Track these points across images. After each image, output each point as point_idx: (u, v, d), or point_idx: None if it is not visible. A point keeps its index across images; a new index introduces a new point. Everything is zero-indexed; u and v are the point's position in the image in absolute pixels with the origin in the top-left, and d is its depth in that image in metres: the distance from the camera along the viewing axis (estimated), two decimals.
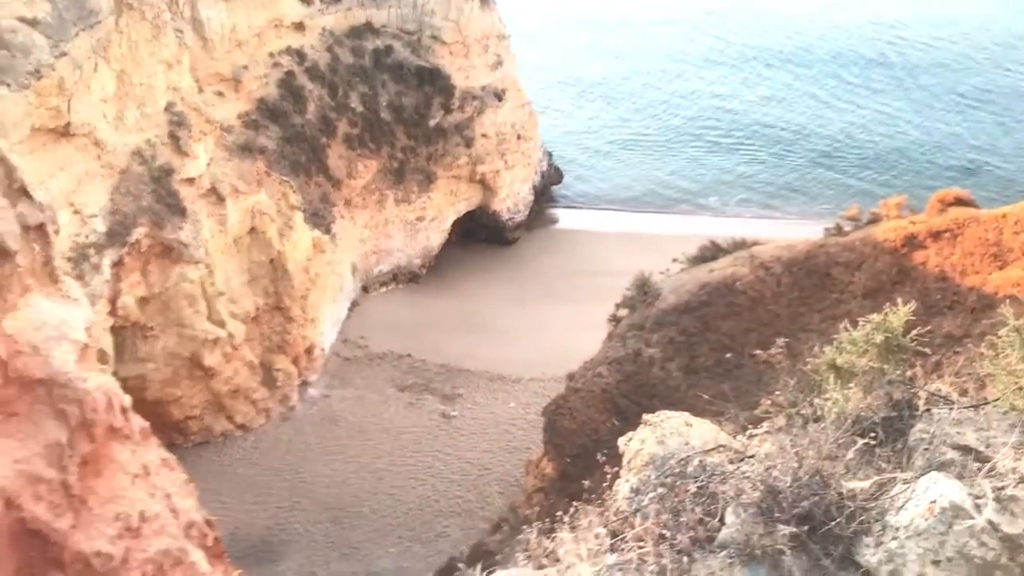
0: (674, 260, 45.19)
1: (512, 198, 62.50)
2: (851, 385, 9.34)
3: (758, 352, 19.96)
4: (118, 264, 35.46)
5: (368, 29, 55.88)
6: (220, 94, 46.59)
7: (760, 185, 71.43)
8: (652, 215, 67.07)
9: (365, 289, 55.91)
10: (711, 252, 42.96)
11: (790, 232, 56.07)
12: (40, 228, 15.94)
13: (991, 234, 38.47)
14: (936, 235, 39.21)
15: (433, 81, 56.68)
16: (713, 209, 67.32)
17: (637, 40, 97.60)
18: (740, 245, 42.81)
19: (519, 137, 61.64)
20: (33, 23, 31.72)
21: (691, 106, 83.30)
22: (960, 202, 42.28)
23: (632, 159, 74.66)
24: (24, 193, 15.63)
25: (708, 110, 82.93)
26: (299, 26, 52.29)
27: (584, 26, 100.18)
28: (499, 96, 59.89)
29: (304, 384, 46.35)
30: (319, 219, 48.74)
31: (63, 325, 15.54)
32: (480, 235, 62.22)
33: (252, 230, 43.35)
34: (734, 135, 79.12)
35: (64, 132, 33.14)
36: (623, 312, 39.26)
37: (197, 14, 44.93)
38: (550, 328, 51.19)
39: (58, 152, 33.26)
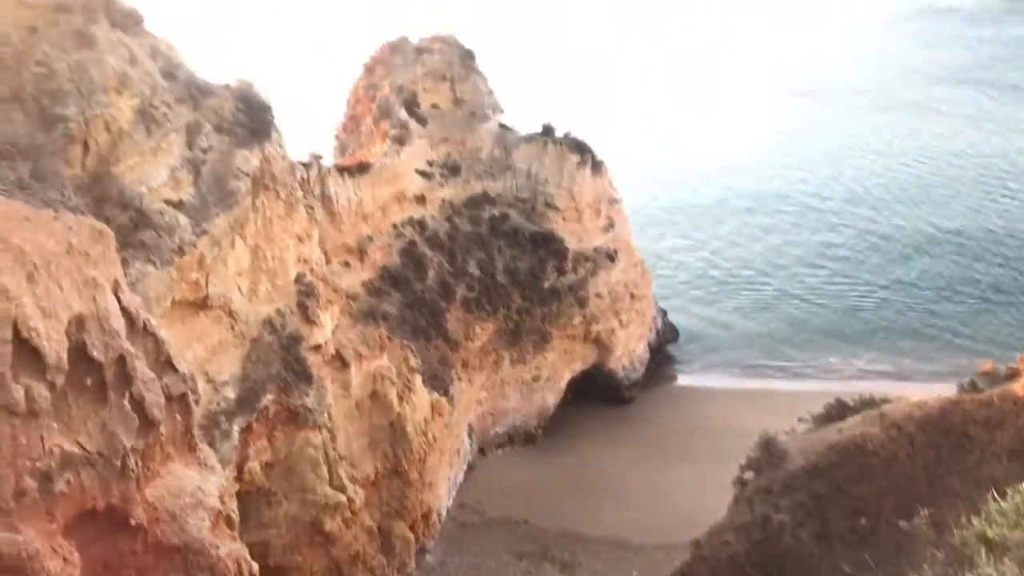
0: (799, 419, 43.72)
1: (628, 356, 62.32)
2: (1005, 560, 8.75)
3: (901, 523, 18.89)
4: (247, 430, 36.55)
5: (485, 199, 58.27)
6: (346, 264, 48.86)
7: (883, 339, 69.18)
8: (772, 371, 65.50)
9: (481, 451, 55.88)
10: (838, 411, 41.41)
11: (919, 389, 53.83)
12: (182, 398, 16.82)
13: None
14: None
15: (547, 245, 58.22)
16: (837, 370, 65.15)
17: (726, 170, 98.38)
18: (868, 403, 41.18)
19: (632, 296, 62.08)
20: (178, 205, 34.25)
21: (806, 252, 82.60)
22: None
23: (747, 311, 73.79)
24: (169, 365, 16.60)
25: (822, 257, 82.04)
26: (420, 198, 54.98)
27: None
28: (611, 257, 60.89)
29: (421, 551, 45.89)
30: (437, 381, 49.51)
31: (199, 492, 16.10)
32: (596, 394, 61.85)
33: (373, 394, 44.27)
34: (853, 287, 77.71)
35: (201, 305, 35.07)
36: (749, 475, 37.87)
37: (327, 191, 47.87)
38: (672, 491, 49.75)
39: (195, 323, 35.12)
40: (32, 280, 12.63)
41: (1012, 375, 41.51)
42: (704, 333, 71.20)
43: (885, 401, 41.96)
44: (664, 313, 69.30)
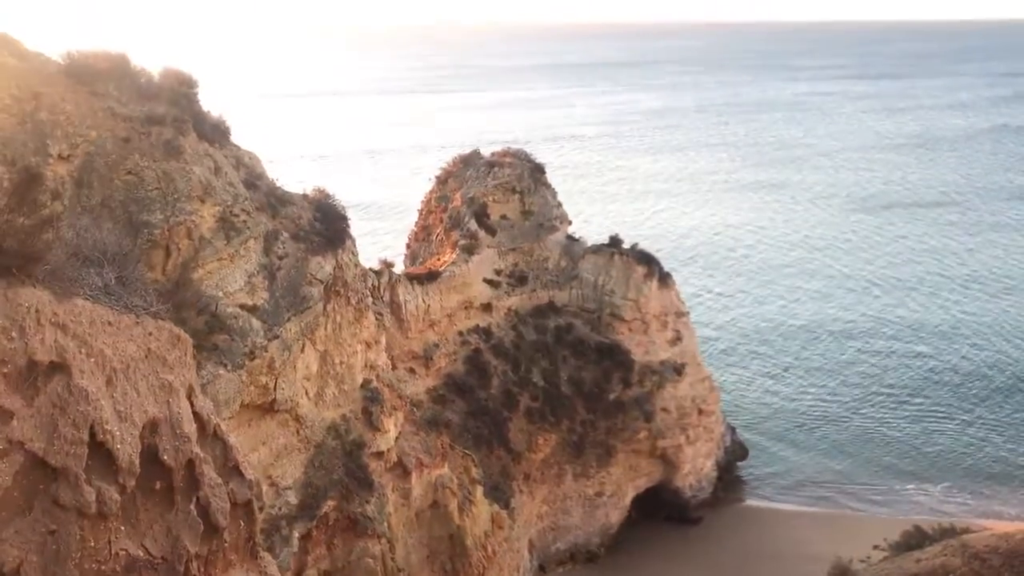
0: (875, 547, 41.80)
1: (695, 474, 60.75)
2: None
3: None
4: (306, 537, 36.26)
5: (551, 308, 58.43)
6: (412, 371, 49.09)
7: (967, 462, 66.38)
8: (845, 495, 63.04)
9: (542, 568, 54.38)
10: (916, 539, 39.55)
11: (1004, 517, 51.33)
12: (247, 504, 16.75)
13: None
14: None
15: (612, 356, 57.80)
16: (911, 499, 62.45)
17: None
18: (949, 532, 39.28)
19: (700, 412, 60.91)
20: (252, 309, 34.98)
21: (882, 365, 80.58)
22: None
23: (819, 431, 71.69)
24: (236, 470, 16.61)
25: (891, 376, 79.94)
26: (487, 307, 55.37)
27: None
28: (678, 371, 60.09)
29: None
30: (499, 493, 48.74)
31: None
32: (662, 513, 60.12)
33: (434, 504, 43.71)
34: (932, 408, 75.32)
35: (268, 408, 35.39)
36: None
37: (396, 297, 48.57)
38: None
39: (261, 427, 35.38)
40: (111, 384, 12.87)
41: None
42: (775, 452, 69.19)
43: (966, 531, 40.00)
44: (733, 430, 67.70)
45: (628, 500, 58.71)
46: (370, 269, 46.25)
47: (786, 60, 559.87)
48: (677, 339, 61.43)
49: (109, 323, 13.51)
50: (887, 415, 73.32)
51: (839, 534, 53.30)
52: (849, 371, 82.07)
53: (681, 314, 62.91)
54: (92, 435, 12.37)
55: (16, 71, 28.85)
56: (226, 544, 15.69)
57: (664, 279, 61.60)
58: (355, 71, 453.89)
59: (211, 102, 37.40)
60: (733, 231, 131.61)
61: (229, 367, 32.54)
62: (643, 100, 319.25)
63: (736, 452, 66.65)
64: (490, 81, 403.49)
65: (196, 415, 15.11)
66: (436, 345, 51.11)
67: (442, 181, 61.10)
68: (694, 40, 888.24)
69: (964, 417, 72.38)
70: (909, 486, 63.53)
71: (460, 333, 53.28)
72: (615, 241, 62.45)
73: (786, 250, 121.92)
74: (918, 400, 75.74)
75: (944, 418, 72.67)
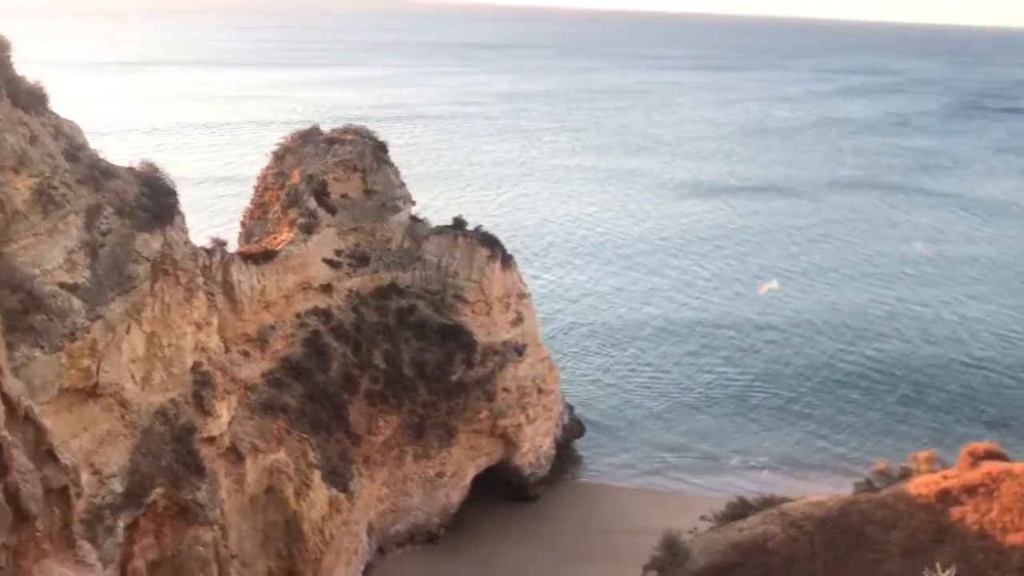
0: (702, 518, 43.84)
1: (534, 452, 61.82)
2: None
3: None
4: (132, 526, 34.66)
5: (393, 290, 57.93)
6: (246, 353, 47.59)
7: (783, 437, 70.63)
8: (676, 471, 65.74)
9: (381, 550, 54.09)
10: (740, 510, 41.76)
11: (819, 487, 54.77)
12: (63, 491, 15.79)
13: None
14: (971, 490, 38.07)
15: (455, 338, 57.93)
16: (737, 468, 65.87)
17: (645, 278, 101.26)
18: (769, 502, 41.68)
19: (540, 391, 61.97)
20: (73, 288, 32.97)
21: (703, 358, 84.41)
22: (991, 455, 41.43)
23: (652, 411, 74.43)
24: (51, 456, 15.62)
25: (714, 355, 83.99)
26: (327, 288, 54.30)
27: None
28: (520, 351, 60.90)
29: None
30: (337, 477, 48.07)
31: None
32: (501, 491, 60.91)
33: (269, 489, 42.68)
34: (752, 377, 79.67)
35: (91, 392, 33.56)
36: (652, 574, 37.58)
37: (229, 277, 46.87)
38: None
39: (83, 412, 33.51)
40: None
41: (905, 475, 42.66)
42: (610, 430, 71.32)
43: (785, 500, 42.53)
44: (571, 409, 69.31)
45: (468, 480, 59.14)
46: (202, 247, 44.42)
47: (633, 48, 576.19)
48: (519, 320, 62.20)
49: None
50: (716, 396, 76.81)
51: (669, 508, 55.57)
52: (681, 353, 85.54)
53: (523, 296, 63.72)
54: None
55: None
56: (38, 533, 14.74)
57: (507, 261, 62.16)
58: (187, 42, 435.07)
59: (31, 68, 35.06)
60: (575, 215, 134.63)
61: (46, 349, 30.62)
62: (493, 82, 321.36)
63: (573, 430, 68.30)
64: (338, 57, 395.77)
65: (4, 396, 14.09)
66: (272, 327, 49.73)
67: (279, 157, 59.34)
68: (548, 25, 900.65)
69: (789, 401, 76.43)
70: (734, 462, 66.90)
71: (298, 315, 52.05)
72: (459, 223, 62.47)
73: (623, 234, 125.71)
74: (747, 383, 79.59)
75: (772, 400, 76.55)
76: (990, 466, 40.00)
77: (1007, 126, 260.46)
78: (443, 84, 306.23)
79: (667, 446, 68.79)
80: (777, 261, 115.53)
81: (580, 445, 68.54)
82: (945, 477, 39.79)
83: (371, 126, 66.33)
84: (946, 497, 38.25)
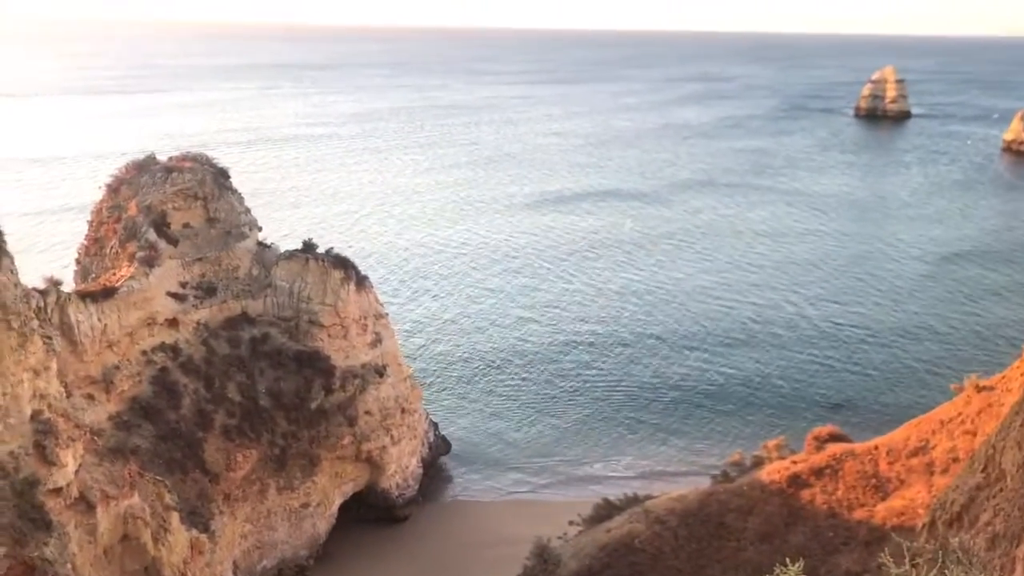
0: (570, 523, 44.61)
1: (401, 473, 61.28)
2: None
3: None
4: None
5: (244, 319, 56.30)
6: (90, 397, 45.24)
7: (641, 432, 72.62)
8: (542, 480, 66.49)
9: None
10: (606, 511, 42.72)
11: (680, 486, 56.64)
12: None
13: (868, 466, 39.76)
14: (818, 472, 40.27)
15: (312, 364, 56.78)
16: (601, 476, 67.09)
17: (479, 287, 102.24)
18: (633, 501, 42.81)
19: (403, 411, 61.50)
20: None
21: (557, 358, 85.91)
22: (834, 438, 43.95)
23: (516, 424, 75.06)
24: None
25: (573, 363, 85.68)
26: (172, 322, 52.26)
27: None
28: (380, 372, 60.26)
29: None
30: (196, 517, 46.25)
31: None
32: (370, 515, 60.07)
33: (124, 537, 40.57)
34: (603, 381, 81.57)
35: None
36: None
37: (67, 318, 44.45)
38: None
39: None
40: None
41: (757, 463, 44.68)
42: (476, 446, 71.46)
43: (649, 497, 43.78)
44: (436, 426, 69.11)
45: (335, 507, 58.03)
46: (34, 288, 41.94)
47: (469, 64, 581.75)
48: (377, 341, 61.55)
49: None
50: (574, 409, 77.61)
51: (538, 517, 56.21)
52: (537, 369, 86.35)
53: (380, 316, 63.11)
54: None
55: None
56: None
57: (361, 282, 61.41)
58: (28, 71, 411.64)
59: None
60: (426, 231, 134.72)
61: None
62: (337, 102, 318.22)
63: (440, 447, 68.14)
64: (169, 82, 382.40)
65: None
66: (117, 367, 47.43)
67: (114, 189, 56.72)
68: (376, 44, 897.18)
69: (645, 409, 78.12)
70: (596, 464, 68.21)
71: (144, 352, 49.84)
72: (309, 246, 61.26)
73: (476, 248, 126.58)
74: (603, 395, 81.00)
75: (629, 409, 78.22)
76: (834, 448, 42.44)
77: (829, 125, 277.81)
78: (284, 106, 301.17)
79: (532, 459, 69.35)
80: (627, 264, 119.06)
81: (447, 462, 68.45)
82: (794, 462, 41.92)
83: (214, 152, 64.37)
84: (796, 481, 40.30)
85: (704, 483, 44.73)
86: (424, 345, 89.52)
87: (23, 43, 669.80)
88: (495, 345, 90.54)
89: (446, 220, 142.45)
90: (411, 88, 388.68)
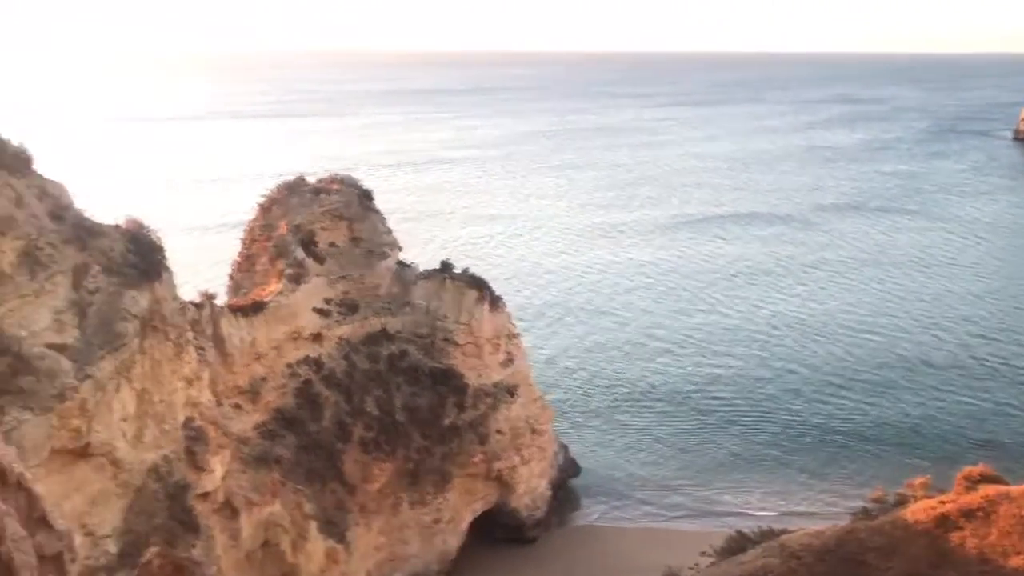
0: (702, 554, 43.66)
1: (530, 494, 61.50)
2: None
3: None
4: None
5: (383, 335, 57.91)
6: (238, 406, 47.38)
7: (779, 468, 70.26)
8: (674, 507, 65.32)
9: None
10: (739, 544, 41.56)
11: (816, 521, 54.54)
12: (57, 557, 15.70)
13: None
14: (969, 514, 38.01)
15: (447, 381, 57.86)
16: (734, 505, 65.41)
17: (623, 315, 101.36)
18: (768, 535, 41.50)
19: (534, 431, 61.82)
20: (61, 348, 32.95)
21: (693, 389, 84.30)
22: (987, 478, 41.41)
23: (647, 447, 74.11)
24: (44, 522, 15.55)
25: (713, 396, 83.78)
26: (317, 337, 54.26)
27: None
28: (511, 392, 60.83)
29: None
30: (333, 527, 47.71)
31: None
32: (499, 535, 60.46)
33: (265, 543, 42.32)
34: (744, 415, 79.42)
35: (82, 453, 33.35)
36: None
37: (219, 331, 46.80)
38: None
39: (75, 473, 33.28)
40: None
41: (901, 501, 42.56)
42: (606, 469, 70.93)
43: (784, 532, 42.36)
44: (566, 448, 69.03)
45: (465, 524, 58.72)
46: (190, 302, 44.43)
47: (609, 88, 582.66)
48: (509, 361, 62.20)
49: None
50: (711, 436, 75.74)
51: (669, 546, 55.27)
52: (673, 387, 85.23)
53: (513, 336, 63.78)
54: None
55: None
56: None
57: (495, 302, 62.30)
58: (191, 97, 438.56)
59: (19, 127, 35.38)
60: (567, 252, 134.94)
61: (36, 410, 30.53)
62: (478, 126, 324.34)
63: (569, 470, 67.98)
64: (320, 107, 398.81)
65: None
66: (263, 379, 49.56)
67: (266, 209, 59.52)
68: (521, 69, 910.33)
69: (785, 438, 75.75)
70: (727, 496, 66.47)
71: (289, 365, 51.90)
72: (446, 266, 62.69)
73: (617, 273, 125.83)
74: (742, 422, 79.01)
75: (767, 438, 76.00)
76: (987, 489, 39.97)
77: (985, 148, 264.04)
78: (427, 130, 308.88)
79: (664, 488, 67.93)
80: (773, 292, 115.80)
81: (576, 486, 68.15)
82: (942, 502, 39.73)
83: (360, 174, 66.67)
84: (944, 522, 38.18)
85: (843, 521, 42.89)
86: (562, 371, 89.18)
87: (187, 74, 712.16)
88: (634, 374, 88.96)
89: (586, 244, 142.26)
90: (551, 112, 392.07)
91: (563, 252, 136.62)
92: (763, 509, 63.85)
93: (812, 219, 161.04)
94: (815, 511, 62.75)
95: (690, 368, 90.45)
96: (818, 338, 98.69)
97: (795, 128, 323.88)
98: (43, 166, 36.58)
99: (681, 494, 66.86)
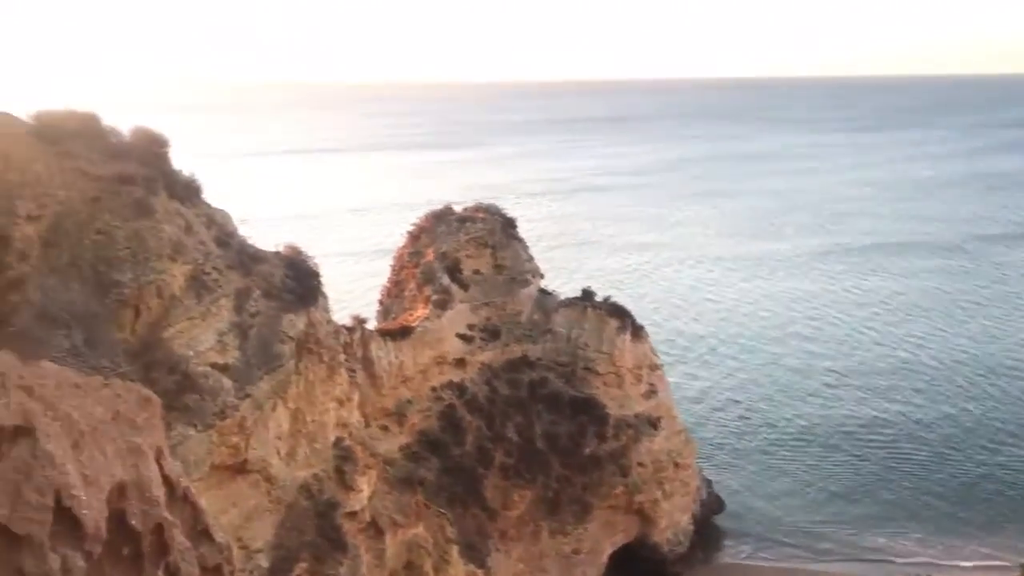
0: None
1: (672, 529, 60.33)
2: None
3: None
4: None
5: (524, 362, 58.32)
6: (385, 428, 48.66)
7: (942, 519, 65.88)
8: (822, 548, 62.62)
9: None
10: None
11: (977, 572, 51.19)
12: (218, 569, 16.51)
13: None
14: None
15: (587, 410, 57.63)
16: (888, 548, 62.04)
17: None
18: None
19: (676, 465, 60.72)
20: (224, 368, 34.68)
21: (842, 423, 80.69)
22: None
23: (794, 483, 71.42)
24: (206, 534, 16.39)
25: (873, 442, 79.69)
26: (460, 362, 55.21)
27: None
28: (654, 424, 60.00)
29: None
30: (474, 552, 48.11)
31: None
32: (639, 569, 59.47)
33: (408, 564, 43.08)
34: (907, 460, 75.29)
35: (239, 468, 34.92)
36: None
37: (369, 354, 48.33)
38: None
39: (232, 488, 34.85)
40: (77, 447, 12.71)
41: None
42: (751, 505, 68.75)
43: None
44: (709, 483, 67.40)
45: (605, 557, 58.07)
46: (343, 325, 46.08)
47: (762, 113, 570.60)
48: (652, 392, 61.42)
49: (76, 385, 13.39)
50: (865, 485, 71.59)
51: None
52: (829, 427, 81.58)
53: (655, 367, 63.00)
54: (57, 500, 12.17)
55: None
56: None
57: (637, 332, 61.76)
58: (332, 130, 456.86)
59: (186, 160, 37.58)
60: (722, 288, 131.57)
61: (199, 427, 32.19)
62: (627, 153, 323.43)
63: (712, 505, 66.30)
64: (470, 138, 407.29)
65: (165, 478, 14.92)
66: (409, 401, 50.76)
67: (414, 237, 61.26)
68: (670, 96, 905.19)
69: (941, 475, 71.77)
70: (880, 539, 63.13)
71: (433, 389, 52.97)
72: (587, 294, 62.72)
73: (772, 306, 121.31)
74: (898, 458, 75.14)
75: (927, 473, 72.10)
76: None
77: None
78: (574, 157, 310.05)
79: (812, 529, 65.13)
80: (939, 327, 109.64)
81: (720, 523, 66.32)
82: None
83: (504, 202, 67.61)
84: None
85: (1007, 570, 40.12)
86: (712, 407, 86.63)
87: (339, 107, 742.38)
88: (788, 413, 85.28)
89: (736, 275, 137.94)
90: (702, 138, 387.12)
91: (712, 283, 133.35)
92: (922, 556, 60.31)
93: (979, 250, 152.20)
94: (980, 564, 58.75)
95: (848, 408, 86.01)
96: (991, 378, 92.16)
97: (960, 154, 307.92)
98: (210, 195, 38.81)
99: (831, 540, 63.71)
